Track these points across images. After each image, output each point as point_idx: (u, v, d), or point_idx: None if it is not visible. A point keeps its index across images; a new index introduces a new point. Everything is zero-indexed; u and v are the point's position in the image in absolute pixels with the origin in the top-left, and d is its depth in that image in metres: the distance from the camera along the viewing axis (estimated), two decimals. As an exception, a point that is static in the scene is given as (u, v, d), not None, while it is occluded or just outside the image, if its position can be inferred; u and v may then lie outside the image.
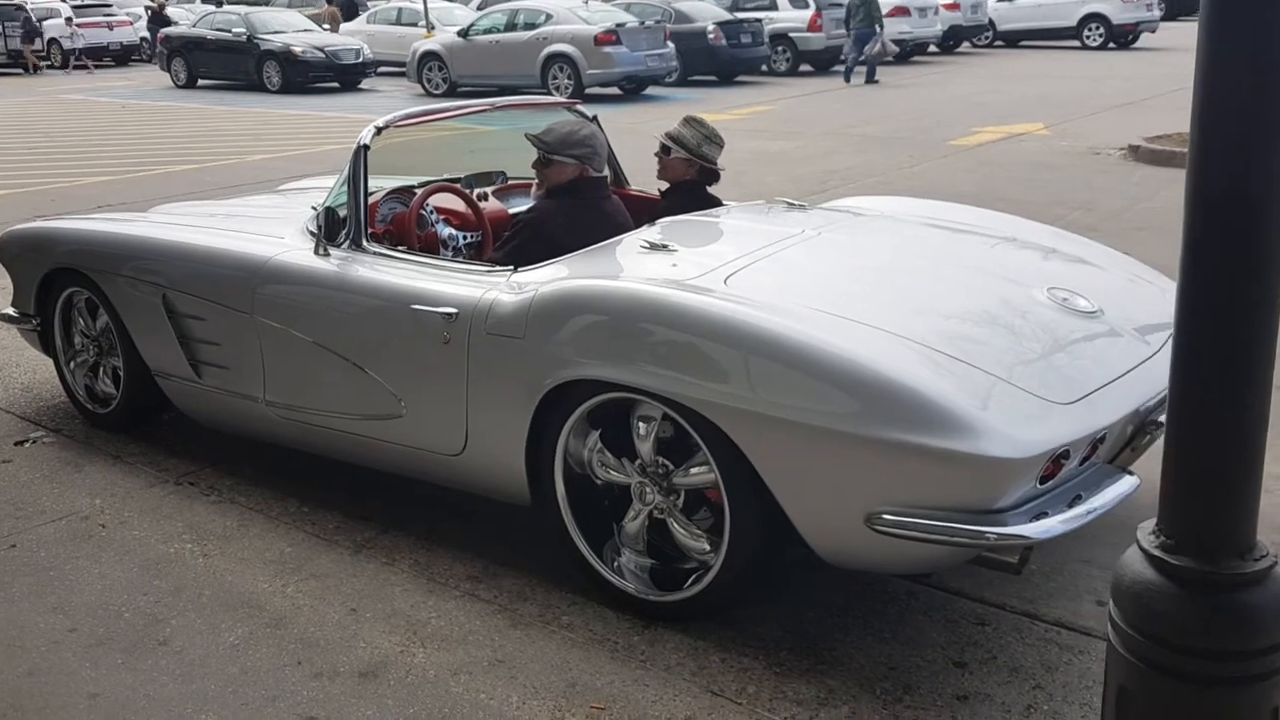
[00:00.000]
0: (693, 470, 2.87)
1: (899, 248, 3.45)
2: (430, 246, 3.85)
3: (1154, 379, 2.86)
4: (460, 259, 3.65)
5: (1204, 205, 1.47)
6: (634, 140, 12.76)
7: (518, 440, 3.06)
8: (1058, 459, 2.53)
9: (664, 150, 3.95)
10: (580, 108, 4.33)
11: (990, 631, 2.94)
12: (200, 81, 21.03)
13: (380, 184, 4.01)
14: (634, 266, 3.14)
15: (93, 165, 11.74)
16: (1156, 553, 1.47)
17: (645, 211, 3.87)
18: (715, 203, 3.96)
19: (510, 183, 4.43)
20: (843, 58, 19.03)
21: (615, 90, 17.90)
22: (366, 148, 3.59)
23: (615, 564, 3.06)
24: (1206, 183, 1.47)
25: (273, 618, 3.09)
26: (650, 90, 18.45)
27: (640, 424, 2.92)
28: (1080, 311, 3.02)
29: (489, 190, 4.29)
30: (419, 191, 3.95)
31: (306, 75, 19.22)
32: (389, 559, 3.38)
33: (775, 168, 10.58)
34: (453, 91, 18.28)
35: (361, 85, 20.20)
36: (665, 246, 3.23)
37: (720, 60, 19.27)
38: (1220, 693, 1.44)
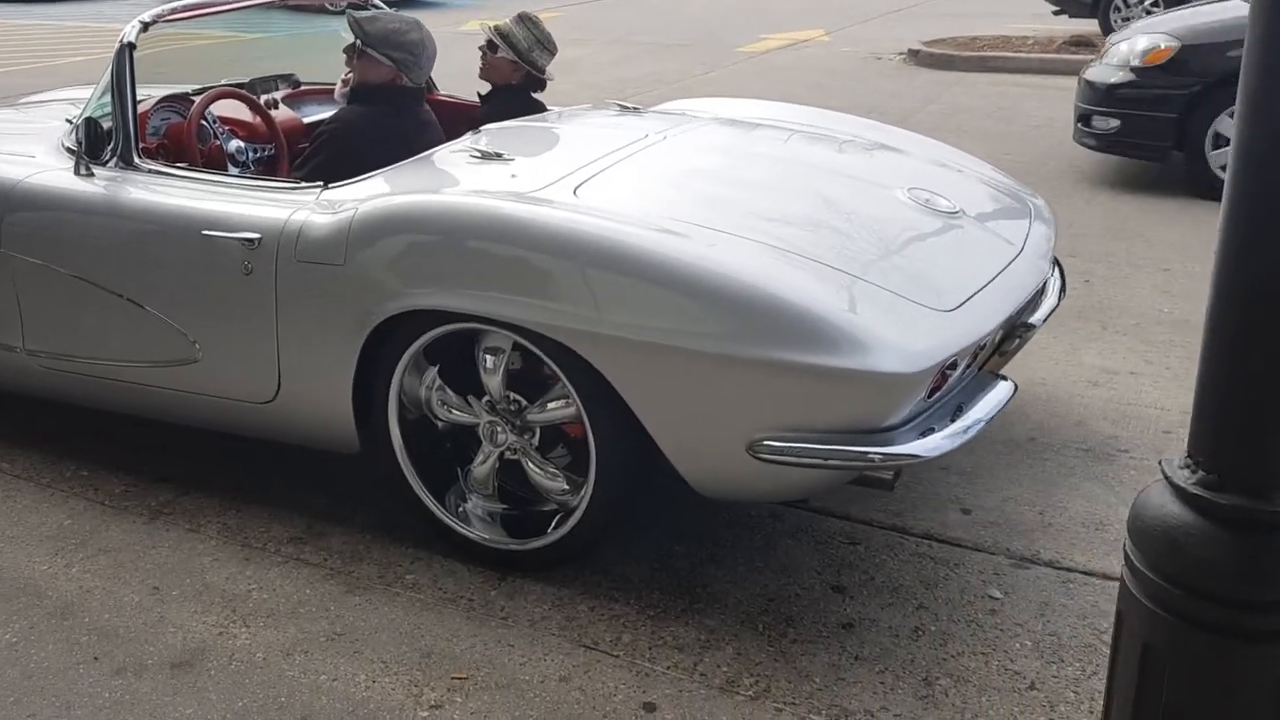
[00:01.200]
0: (550, 405, 2.58)
1: (753, 152, 3.22)
2: (214, 163, 3.34)
3: (1022, 279, 2.75)
4: (252, 176, 3.17)
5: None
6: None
7: (343, 382, 2.67)
8: (945, 370, 2.38)
9: (490, 47, 3.55)
10: (379, 1, 3.85)
11: (863, 551, 2.82)
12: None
13: (150, 93, 3.44)
14: (468, 179, 2.77)
15: None
16: (1194, 489, 1.27)
17: (463, 119, 3.48)
18: (540, 108, 3.61)
19: (304, 88, 3.92)
20: None
21: (385, -3, 16.83)
22: (132, 46, 3.07)
23: (461, 511, 2.75)
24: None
25: (57, 606, 2.62)
26: (423, -4, 17.47)
27: (487, 356, 2.59)
28: (943, 212, 2.87)
29: (278, 96, 3.76)
30: (198, 99, 3.41)
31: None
32: (192, 525, 2.94)
33: (567, 76, 10.16)
34: (204, -2, 16.69)
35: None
36: (500, 156, 2.87)
37: (494, -34, 18.36)
38: (1268, 649, 1.27)
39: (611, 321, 2.35)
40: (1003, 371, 2.72)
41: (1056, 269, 3.17)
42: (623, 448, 2.48)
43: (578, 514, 2.58)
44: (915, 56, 10.59)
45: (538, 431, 2.64)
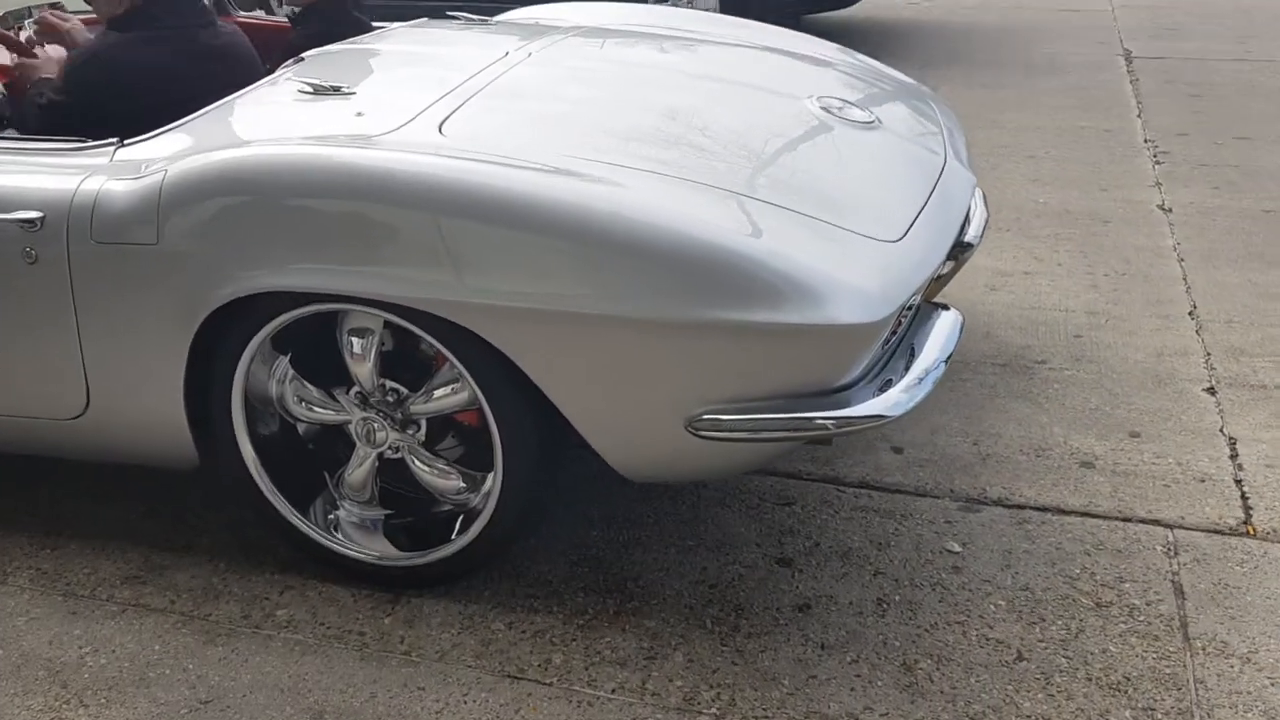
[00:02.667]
0: (438, 392, 2.14)
1: (639, 66, 2.77)
2: None
3: (955, 193, 2.44)
4: (22, 136, 2.53)
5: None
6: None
7: (171, 387, 2.16)
8: (903, 313, 2.06)
9: None
10: None
11: (799, 512, 2.51)
12: None
13: None
14: (304, 122, 2.24)
15: None
16: None
17: (276, 46, 2.90)
18: (365, 27, 3.06)
19: (78, 17, 3.22)
20: None
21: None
22: None
23: (331, 520, 2.30)
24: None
25: None
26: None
27: (353, 340, 2.12)
28: (861, 124, 2.52)
29: (28, 24, 3.06)
30: None
31: None
32: (-3, 576, 2.39)
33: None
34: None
35: None
36: (338, 89, 2.34)
37: None
38: None
39: (510, 290, 1.92)
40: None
41: None
42: (533, 432, 2.07)
43: (485, 515, 2.17)
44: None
45: (423, 424, 2.20)
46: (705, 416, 1.94)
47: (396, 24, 3.11)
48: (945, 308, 2.29)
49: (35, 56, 2.82)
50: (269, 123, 2.29)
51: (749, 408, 1.93)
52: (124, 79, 2.47)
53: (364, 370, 2.14)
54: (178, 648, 2.16)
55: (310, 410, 2.24)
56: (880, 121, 2.56)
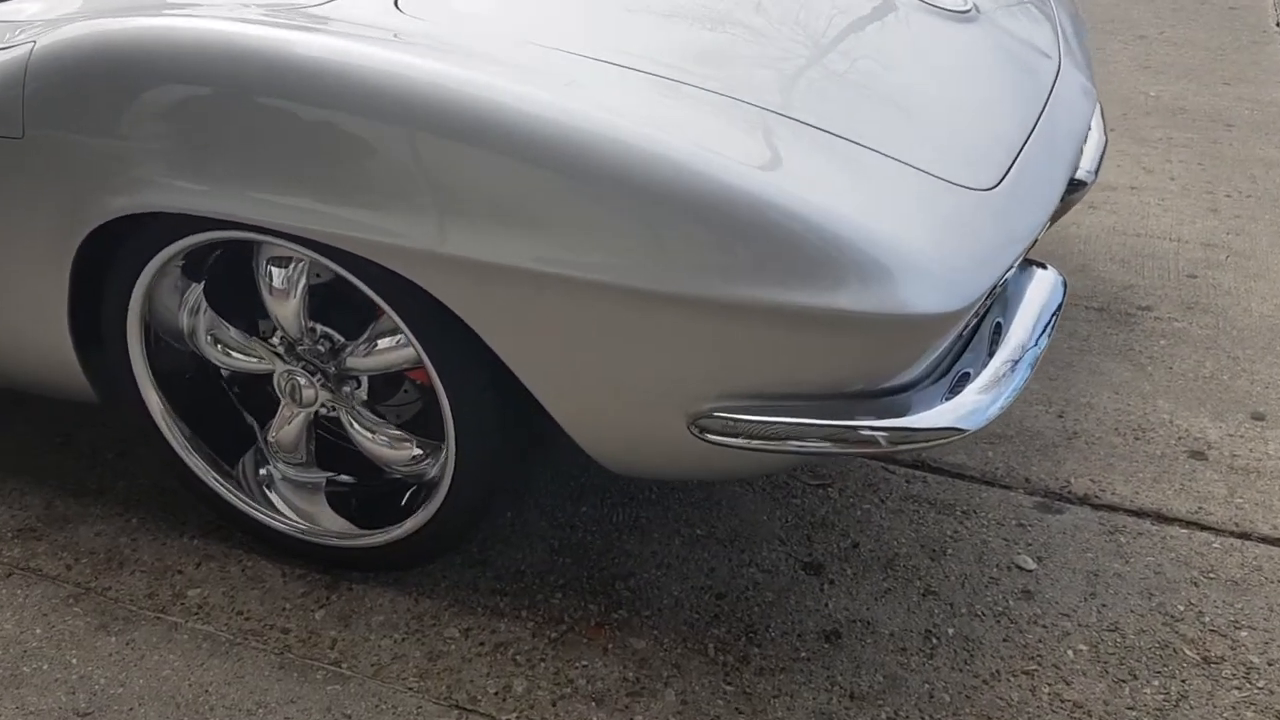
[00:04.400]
0: (381, 343, 1.67)
1: None
2: None
3: (1070, 113, 1.88)
4: None
5: None
6: None
7: (54, 313, 1.71)
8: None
9: None
10: None
11: (837, 498, 2.05)
12: None
13: None
14: None
15: None
16: None
17: None
18: None
19: None
20: None
21: None
22: None
23: (264, 480, 1.87)
24: None
25: None
26: None
27: (273, 271, 1.65)
28: (955, 13, 1.94)
29: None
30: None
31: None
32: None
33: None
34: None
35: None
36: None
37: None
38: None
39: (465, 239, 1.42)
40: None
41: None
42: (493, 404, 1.61)
43: (440, 491, 1.73)
44: None
45: (364, 380, 1.75)
46: (715, 415, 1.46)
47: None
48: (1041, 266, 1.75)
49: None
50: None
51: (772, 408, 1.45)
52: None
53: (287, 311, 1.67)
54: (63, 634, 1.77)
55: (227, 355, 1.78)
56: (979, 9, 1.98)
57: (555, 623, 1.79)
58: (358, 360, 1.70)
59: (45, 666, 1.72)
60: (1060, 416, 2.26)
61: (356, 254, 1.48)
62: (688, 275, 1.36)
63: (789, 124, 1.50)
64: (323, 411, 1.78)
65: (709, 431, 1.47)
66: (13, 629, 1.79)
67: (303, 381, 1.73)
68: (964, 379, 1.51)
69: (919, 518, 2.00)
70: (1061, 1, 2.33)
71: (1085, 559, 1.91)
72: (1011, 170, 1.61)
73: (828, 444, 1.45)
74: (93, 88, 1.53)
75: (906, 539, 1.96)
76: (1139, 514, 2.02)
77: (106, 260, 1.68)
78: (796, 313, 1.35)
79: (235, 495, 1.85)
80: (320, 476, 1.87)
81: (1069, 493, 2.07)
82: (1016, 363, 1.55)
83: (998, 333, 1.60)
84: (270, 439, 1.83)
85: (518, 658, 1.73)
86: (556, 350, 1.48)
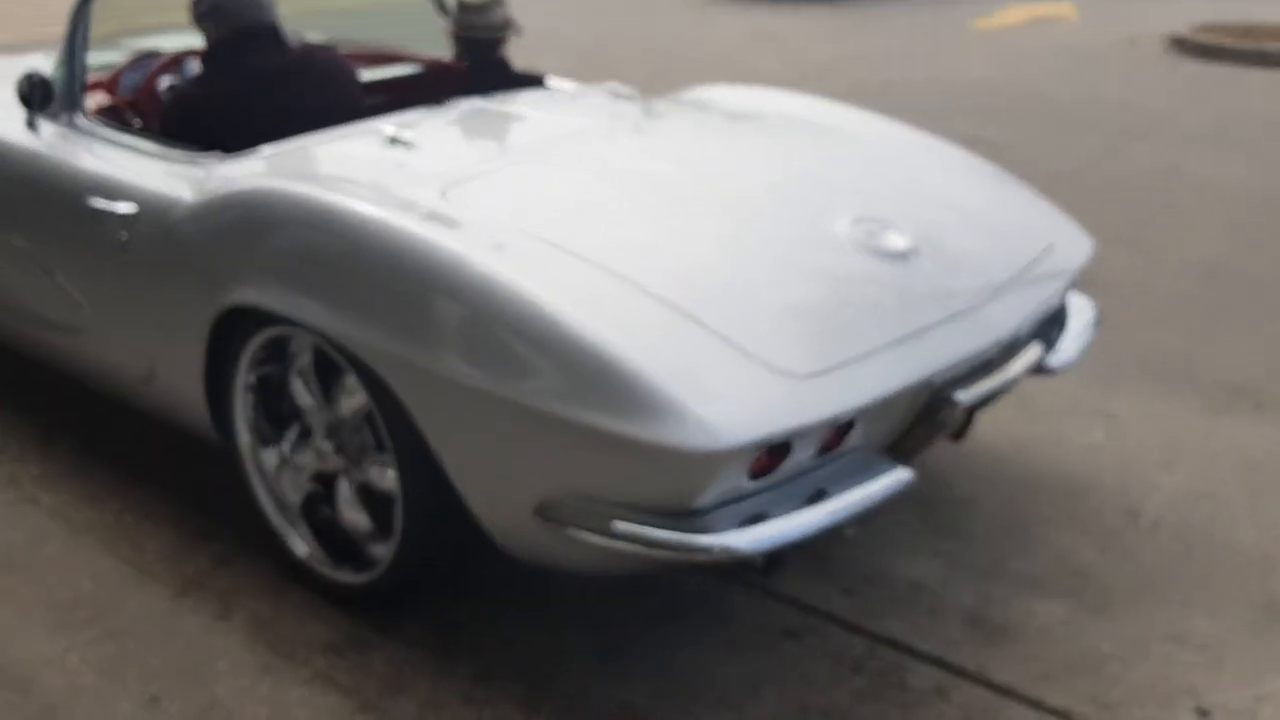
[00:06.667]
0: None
1: (694, 158, 2.71)
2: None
3: (970, 335, 2.18)
4: (168, 142, 2.71)
5: None
6: (621, 10, 11.46)
7: (195, 373, 2.46)
8: (775, 451, 1.88)
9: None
10: None
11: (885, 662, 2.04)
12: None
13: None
14: (345, 164, 2.49)
15: None
16: None
17: (440, 83, 3.21)
18: (526, 81, 3.20)
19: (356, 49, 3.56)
20: None
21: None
22: (88, 2, 2.88)
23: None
24: None
25: (39, 709, 2.15)
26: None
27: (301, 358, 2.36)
28: (884, 251, 2.28)
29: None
30: (169, 56, 3.19)
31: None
32: (221, 609, 2.43)
33: (772, 51, 9.38)
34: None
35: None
36: (408, 143, 2.55)
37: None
38: None
39: (408, 347, 2.04)
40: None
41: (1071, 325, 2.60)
42: (428, 486, 2.14)
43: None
44: (1179, 45, 9.24)
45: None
46: (552, 505, 1.94)
47: (562, 85, 3.25)
48: (897, 465, 2.06)
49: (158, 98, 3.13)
50: (323, 160, 2.55)
51: (590, 508, 1.90)
52: (209, 111, 2.74)
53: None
54: (345, 738, 2.08)
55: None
56: (918, 252, 2.30)
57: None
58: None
59: (324, 764, 2.02)
60: None
61: (348, 349, 2.12)
62: (512, 381, 1.89)
63: (661, 305, 1.95)
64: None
65: (548, 518, 1.93)
66: (307, 726, 2.11)
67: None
68: (760, 518, 1.88)
69: None
70: (1054, 255, 2.54)
71: None
72: (830, 371, 1.94)
73: (623, 541, 1.86)
74: (225, 220, 2.36)
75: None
76: None
77: (225, 350, 2.39)
78: (586, 429, 1.82)
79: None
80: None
81: None
82: (810, 521, 1.90)
83: (820, 495, 1.96)
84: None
85: None
86: (460, 442, 2.02)
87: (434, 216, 2.15)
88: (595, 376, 1.83)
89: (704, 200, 2.43)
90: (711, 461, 1.79)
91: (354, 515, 2.36)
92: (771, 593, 2.46)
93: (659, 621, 2.38)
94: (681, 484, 1.84)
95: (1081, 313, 2.65)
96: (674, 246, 2.20)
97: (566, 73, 3.59)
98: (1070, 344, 2.52)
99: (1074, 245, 2.63)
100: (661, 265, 2.09)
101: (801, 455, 1.93)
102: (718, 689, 2.20)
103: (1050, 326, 2.54)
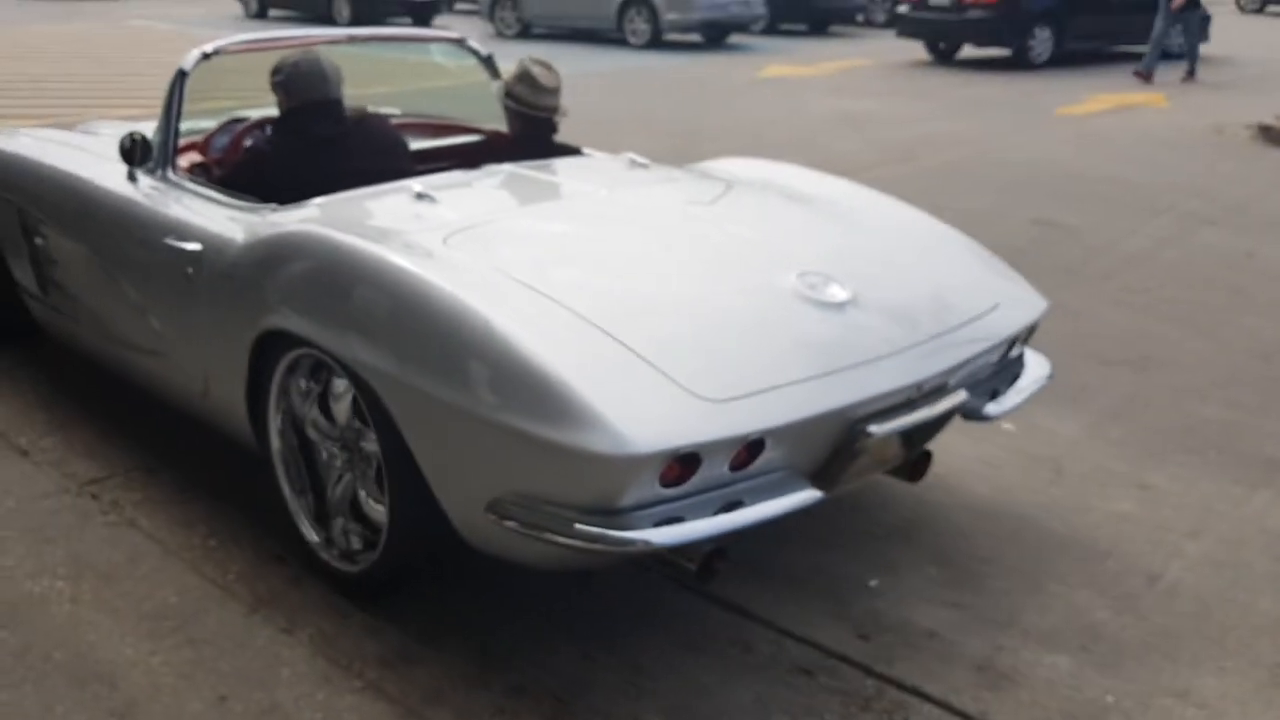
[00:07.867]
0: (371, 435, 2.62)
1: (672, 216, 3.09)
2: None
3: (888, 376, 2.45)
4: (236, 194, 3.16)
5: None
6: (709, 92, 11.87)
7: (238, 388, 2.88)
8: (685, 461, 2.16)
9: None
10: (471, 43, 4.10)
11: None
12: (271, 12, 20.47)
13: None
14: (373, 215, 2.95)
15: (131, 96, 11.22)
16: None
17: (489, 151, 3.62)
18: (563, 150, 3.60)
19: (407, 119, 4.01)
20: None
21: (695, 38, 16.92)
22: (185, 75, 3.37)
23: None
24: None
25: (121, 702, 2.42)
26: (734, 39, 17.44)
27: (337, 383, 2.69)
28: (822, 301, 2.56)
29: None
30: (252, 121, 3.70)
31: (378, 9, 18.54)
32: (288, 624, 2.68)
33: (856, 132, 9.63)
34: (525, 33, 17.50)
35: (434, 22, 19.49)
36: (432, 198, 2.93)
37: (812, 8, 18.15)
38: None
39: (395, 364, 2.40)
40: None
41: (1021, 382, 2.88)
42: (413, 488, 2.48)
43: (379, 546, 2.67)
44: (1265, 133, 9.23)
45: (374, 462, 2.64)
46: (498, 503, 2.25)
47: (591, 153, 3.62)
48: (808, 486, 2.33)
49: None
50: (356, 211, 2.94)
51: (530, 505, 2.20)
52: (274, 169, 3.21)
53: (340, 408, 2.70)
54: (388, 742, 2.29)
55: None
56: (854, 303, 2.58)
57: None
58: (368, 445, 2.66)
59: (367, 762, 2.23)
60: None
61: (353, 370, 2.49)
62: (460, 390, 2.26)
63: (597, 333, 2.27)
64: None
65: (496, 514, 2.24)
66: (355, 729, 2.34)
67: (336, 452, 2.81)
68: (676, 520, 2.16)
69: None
70: (997, 319, 2.77)
71: None
72: (740, 399, 2.23)
73: (552, 535, 2.16)
74: (268, 258, 2.77)
75: None
76: None
77: (262, 369, 2.80)
78: (524, 434, 2.14)
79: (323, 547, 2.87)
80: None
81: None
82: (720, 523, 2.19)
83: (736, 505, 2.23)
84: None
85: None
86: (430, 445, 2.37)
87: (429, 256, 2.54)
88: (526, 386, 2.16)
89: (669, 250, 2.80)
90: (623, 465, 2.08)
91: (373, 507, 2.70)
92: (790, 633, 2.62)
93: (682, 650, 2.56)
94: (602, 485, 2.13)
95: (1037, 368, 2.94)
96: (624, 285, 2.54)
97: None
98: (1012, 396, 2.81)
99: (1023, 307, 2.90)
100: (608, 299, 2.42)
101: (713, 469, 2.21)
102: (731, 714, 2.36)
103: (998, 378, 2.82)
